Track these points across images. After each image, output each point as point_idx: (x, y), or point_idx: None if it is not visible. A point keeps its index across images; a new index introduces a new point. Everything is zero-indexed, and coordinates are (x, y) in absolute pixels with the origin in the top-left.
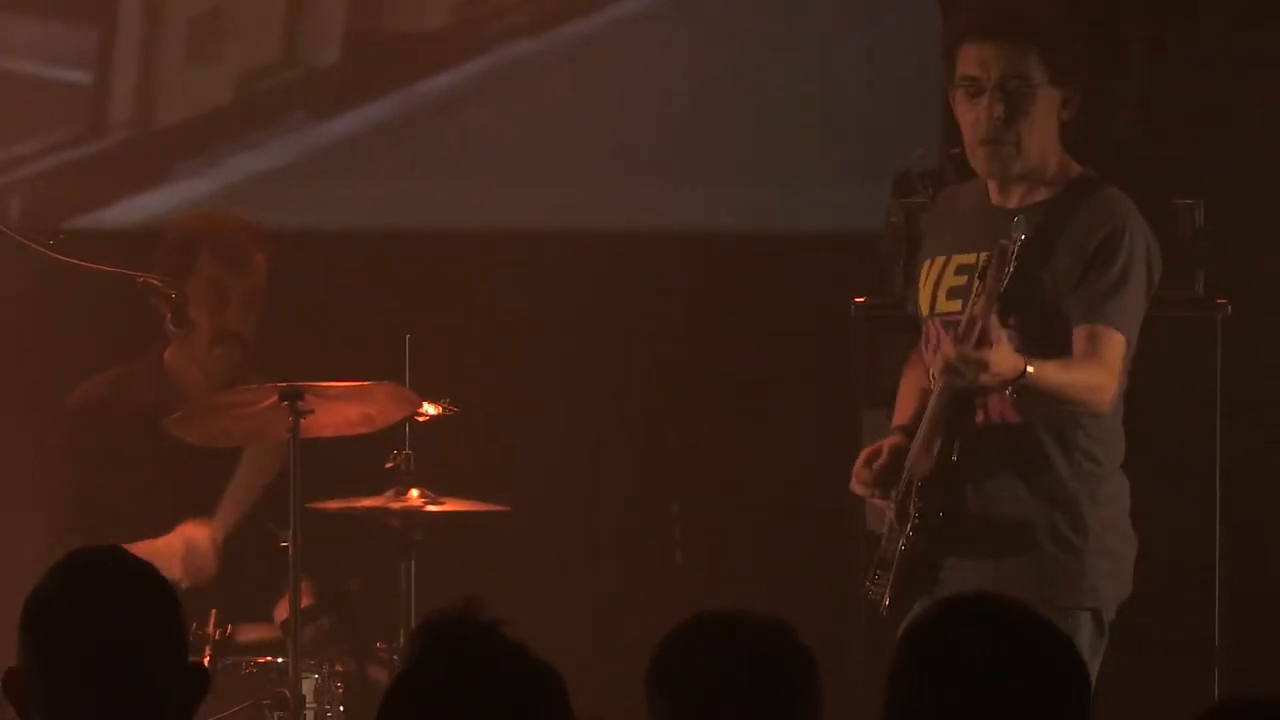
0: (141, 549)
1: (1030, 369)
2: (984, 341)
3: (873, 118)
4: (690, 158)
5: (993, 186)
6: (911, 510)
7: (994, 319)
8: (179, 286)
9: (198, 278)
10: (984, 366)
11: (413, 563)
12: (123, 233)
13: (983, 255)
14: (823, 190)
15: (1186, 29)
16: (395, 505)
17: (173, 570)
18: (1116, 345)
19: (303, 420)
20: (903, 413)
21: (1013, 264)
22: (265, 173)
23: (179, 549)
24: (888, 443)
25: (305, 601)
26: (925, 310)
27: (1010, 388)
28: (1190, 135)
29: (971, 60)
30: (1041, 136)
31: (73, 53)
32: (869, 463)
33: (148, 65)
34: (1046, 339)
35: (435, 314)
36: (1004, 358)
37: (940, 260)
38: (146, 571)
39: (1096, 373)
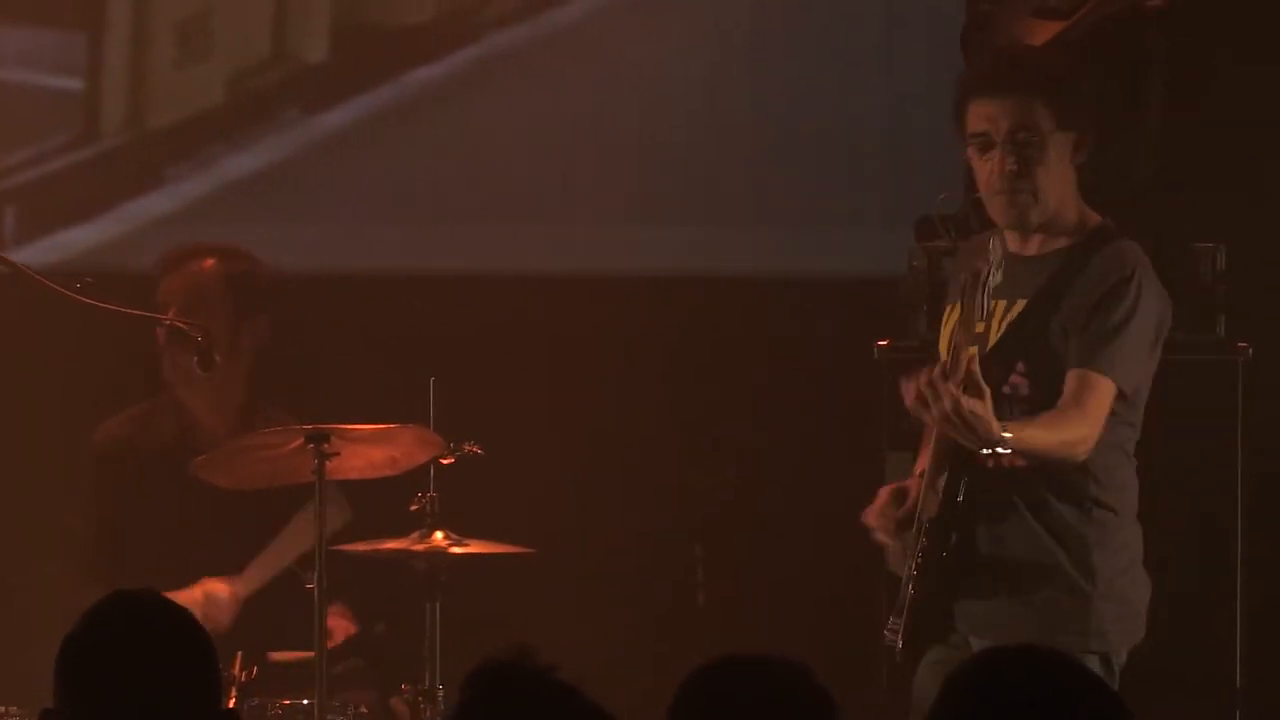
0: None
1: (1008, 435)
2: (970, 383)
3: (897, 161)
4: (715, 201)
5: (1011, 235)
6: (918, 551)
7: (976, 368)
8: (204, 329)
9: (210, 317)
10: (960, 413)
11: (438, 604)
12: (143, 275)
13: (1000, 303)
14: (846, 234)
15: (1207, 70)
16: (420, 547)
17: None
18: (1102, 392)
19: (328, 462)
20: (924, 458)
21: (988, 286)
22: (259, 171)
23: (199, 600)
24: (909, 484)
25: (343, 634)
26: (945, 355)
27: (991, 450)
28: (1212, 179)
29: (979, 116)
30: (1057, 183)
31: (62, 60)
32: (893, 501)
33: (138, 69)
34: (1054, 386)
35: (461, 356)
36: (983, 413)
37: (954, 325)
38: (183, 616)
39: (1077, 427)
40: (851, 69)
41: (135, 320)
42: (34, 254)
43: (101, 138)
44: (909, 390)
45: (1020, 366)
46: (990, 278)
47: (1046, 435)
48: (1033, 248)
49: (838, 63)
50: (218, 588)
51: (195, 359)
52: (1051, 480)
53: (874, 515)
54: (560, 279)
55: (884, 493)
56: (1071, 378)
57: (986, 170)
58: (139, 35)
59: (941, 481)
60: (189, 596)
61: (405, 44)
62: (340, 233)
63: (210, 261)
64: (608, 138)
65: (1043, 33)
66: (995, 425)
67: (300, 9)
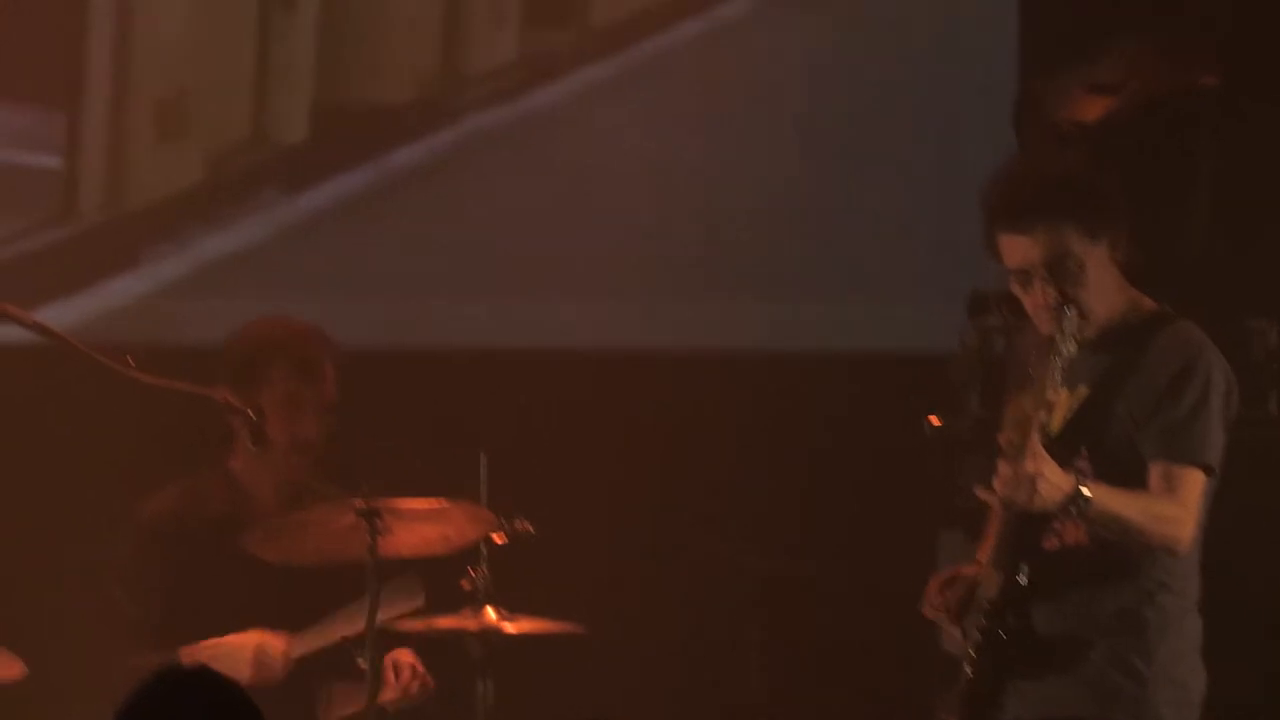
0: (212, 644)
1: (1086, 490)
2: (1033, 455)
3: (948, 238)
4: (766, 275)
5: None
6: (976, 631)
7: (1036, 440)
8: (256, 404)
9: (272, 389)
10: (1033, 482)
11: (489, 681)
12: (188, 349)
13: (1061, 391)
14: (898, 310)
15: (1258, 147)
16: (474, 626)
17: (242, 668)
18: (1193, 482)
19: (380, 540)
20: (987, 544)
21: (1061, 358)
22: (238, 251)
23: (250, 648)
24: (965, 570)
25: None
26: (1014, 437)
27: (1072, 511)
28: (1264, 255)
29: (1012, 253)
30: (1103, 294)
31: (40, 137)
32: (942, 588)
33: (116, 147)
34: (1120, 474)
35: (514, 431)
36: (1053, 475)
37: (1022, 397)
38: (233, 692)
39: (1170, 507)
40: (902, 142)
41: (177, 394)
42: (9, 332)
43: (79, 216)
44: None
45: (1083, 453)
46: (1065, 346)
47: (1133, 502)
48: (1090, 337)
49: (889, 130)
50: (272, 641)
51: (248, 435)
52: (1115, 562)
53: (928, 607)
54: (611, 354)
55: (933, 584)
56: (1156, 472)
57: (1030, 303)
58: (118, 114)
59: (1003, 561)
60: (241, 641)
61: (385, 125)
62: (320, 311)
63: (329, 358)
64: (649, 215)
65: (1093, 109)
66: (1073, 478)
67: (280, 89)
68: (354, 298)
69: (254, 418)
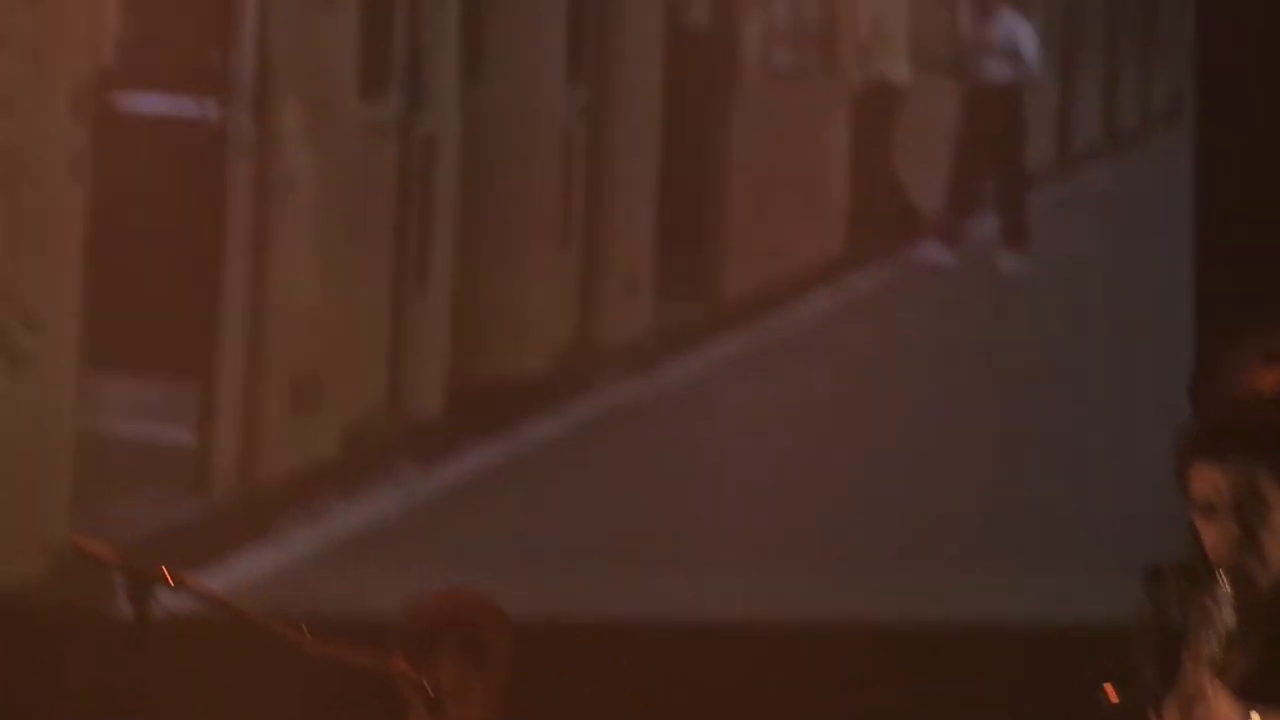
0: None
1: (1255, 715)
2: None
3: (1124, 509)
4: (932, 548)
5: None
6: None
7: (1205, 680)
8: (436, 683)
9: (441, 672)
10: None
11: None
12: (358, 621)
13: (1230, 649)
14: (1072, 579)
15: None
16: None
17: None
18: None
19: None
20: None
21: (1222, 627)
22: (371, 524)
23: None
24: None
25: None
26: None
27: None
28: None
29: (1203, 484)
30: None
31: (173, 410)
32: None
33: (250, 420)
34: None
35: (683, 708)
36: (1221, 712)
37: (1188, 667)
38: None
39: None
40: (1074, 414)
41: (348, 666)
42: (172, 601)
43: (212, 489)
44: None
45: (1258, 708)
46: (1220, 621)
47: None
48: (1266, 588)
49: (1058, 408)
50: None
51: (424, 710)
52: None
53: None
54: (776, 628)
55: None
56: None
57: (1211, 540)
58: (251, 386)
59: None
60: None
61: (520, 396)
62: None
63: (503, 639)
64: (794, 488)
65: (1271, 379)
66: (1230, 710)
67: (414, 362)
68: (491, 571)
69: (431, 693)
